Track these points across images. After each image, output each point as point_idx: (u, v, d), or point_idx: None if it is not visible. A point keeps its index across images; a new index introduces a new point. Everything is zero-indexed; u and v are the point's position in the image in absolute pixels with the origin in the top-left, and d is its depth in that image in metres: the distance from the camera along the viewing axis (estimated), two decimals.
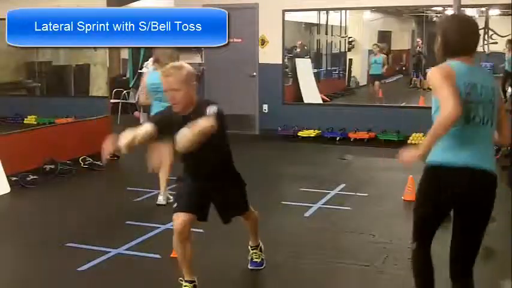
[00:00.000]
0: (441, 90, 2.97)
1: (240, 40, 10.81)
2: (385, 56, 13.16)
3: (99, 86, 11.26)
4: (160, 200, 6.26)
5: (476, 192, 3.13)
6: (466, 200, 3.15)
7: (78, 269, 4.52)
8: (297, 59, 12.05)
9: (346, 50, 14.85)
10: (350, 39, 14.79)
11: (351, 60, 14.75)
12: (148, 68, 11.71)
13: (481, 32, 12.51)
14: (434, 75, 3.05)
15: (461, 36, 3.12)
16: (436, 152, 3.08)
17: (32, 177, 7.14)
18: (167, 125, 3.83)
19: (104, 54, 10.64)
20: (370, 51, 13.49)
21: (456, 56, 3.12)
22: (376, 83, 12.97)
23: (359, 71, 14.80)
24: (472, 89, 3.07)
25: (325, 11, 12.88)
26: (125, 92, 12.79)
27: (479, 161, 3.10)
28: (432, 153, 3.09)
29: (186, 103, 3.80)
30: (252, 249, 4.52)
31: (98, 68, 11.37)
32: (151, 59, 11.77)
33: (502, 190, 6.09)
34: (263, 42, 10.74)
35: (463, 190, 3.11)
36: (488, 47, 12.80)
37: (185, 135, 3.53)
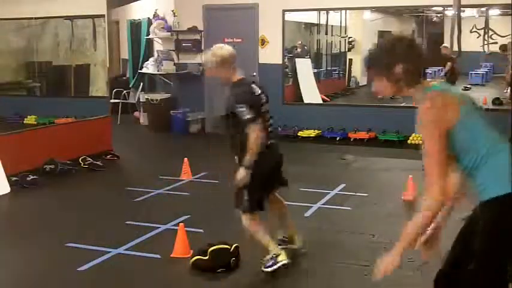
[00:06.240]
0: None
1: (240, 40, 10.82)
2: None
3: (99, 86, 11.27)
4: None
5: None
6: None
7: (78, 269, 4.52)
8: (297, 59, 12.03)
9: (346, 50, 14.84)
10: (350, 39, 14.79)
11: (351, 60, 14.73)
12: (148, 67, 11.74)
13: (481, 32, 12.58)
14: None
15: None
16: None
17: (32, 177, 7.14)
18: None
19: (103, 54, 10.65)
20: None
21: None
22: None
23: (359, 71, 14.79)
24: None
25: (325, 11, 12.86)
26: (124, 92, 12.78)
27: None
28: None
29: None
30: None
31: (98, 68, 11.38)
32: (151, 59, 11.82)
33: None
34: (263, 42, 10.73)
35: None
36: (488, 47, 12.81)
37: None
